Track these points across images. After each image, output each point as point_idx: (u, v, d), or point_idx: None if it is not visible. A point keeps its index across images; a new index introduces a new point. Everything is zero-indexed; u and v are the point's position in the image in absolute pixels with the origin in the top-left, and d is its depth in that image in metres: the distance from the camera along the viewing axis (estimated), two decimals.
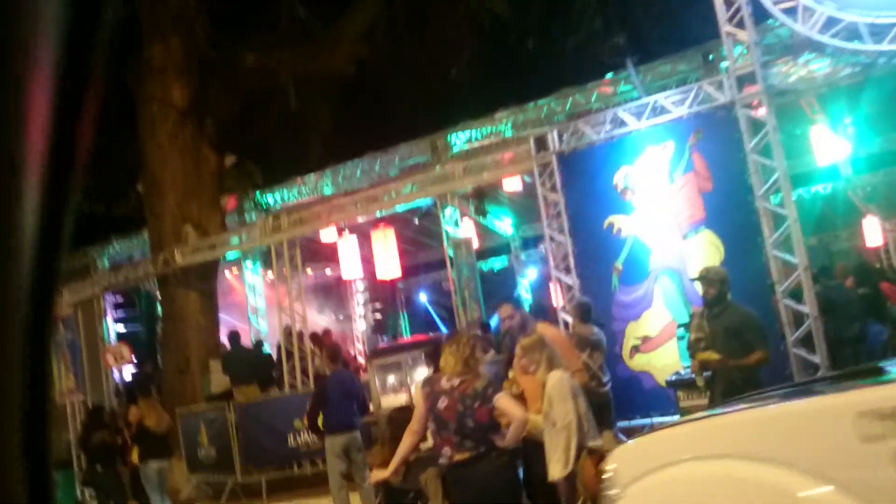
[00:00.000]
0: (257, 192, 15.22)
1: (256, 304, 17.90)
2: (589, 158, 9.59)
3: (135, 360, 16.04)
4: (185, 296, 13.96)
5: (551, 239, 9.93)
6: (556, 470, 4.78)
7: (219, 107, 14.60)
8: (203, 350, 13.96)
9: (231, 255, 14.81)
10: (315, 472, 10.19)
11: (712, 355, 6.42)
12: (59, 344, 14.78)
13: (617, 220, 9.34)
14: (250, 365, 13.02)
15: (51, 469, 0.77)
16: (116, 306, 19.60)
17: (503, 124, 12.89)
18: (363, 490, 8.43)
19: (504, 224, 22.03)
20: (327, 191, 15.39)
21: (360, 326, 24.70)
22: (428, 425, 4.60)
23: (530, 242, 23.47)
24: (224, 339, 14.79)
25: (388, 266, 14.42)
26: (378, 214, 12.94)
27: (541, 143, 9.90)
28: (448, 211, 14.88)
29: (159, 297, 20.75)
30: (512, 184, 15.74)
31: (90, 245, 20.11)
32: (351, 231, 16.03)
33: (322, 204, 13.18)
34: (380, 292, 24.69)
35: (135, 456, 10.13)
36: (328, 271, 24.42)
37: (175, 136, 13.83)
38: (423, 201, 15.73)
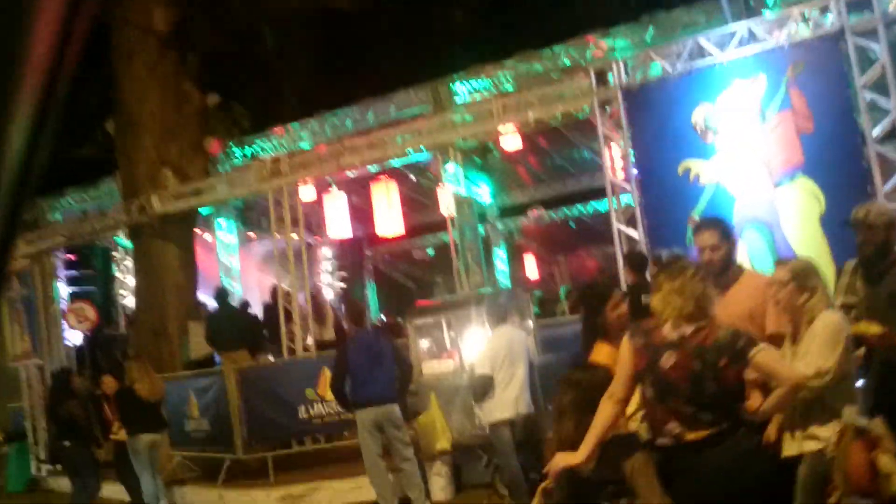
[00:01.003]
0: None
1: (230, 263, 16.23)
2: (661, 94, 8.25)
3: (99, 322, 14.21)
4: (161, 249, 12.22)
5: (613, 186, 8.58)
6: (796, 446, 3.43)
7: (201, 39, 12.81)
8: (182, 310, 12.27)
9: (201, 211, 13.07)
10: (332, 447, 8.74)
11: (871, 328, 4.36)
12: (13, 301, 12.90)
13: (694, 165, 8.02)
14: (239, 328, 11.40)
15: None
16: (68, 265, 17.52)
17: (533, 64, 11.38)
18: (405, 473, 7.00)
19: (481, 191, 20.43)
20: (307, 144, 13.74)
21: (328, 296, 22.95)
22: (642, 391, 3.21)
23: (508, 211, 22.21)
24: (204, 298, 13.12)
25: (391, 222, 12.90)
26: (396, 163, 11.42)
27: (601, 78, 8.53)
28: (450, 166, 13.46)
29: (116, 255, 19.02)
30: (511, 142, 14.38)
31: (40, 196, 18.11)
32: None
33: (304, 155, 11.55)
34: (346, 261, 23.10)
35: (116, 429, 8.50)
36: (294, 236, 22.74)
37: (154, 68, 12.02)
38: (421, 156, 14.31)
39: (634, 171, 8.33)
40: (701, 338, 3.09)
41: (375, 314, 21.51)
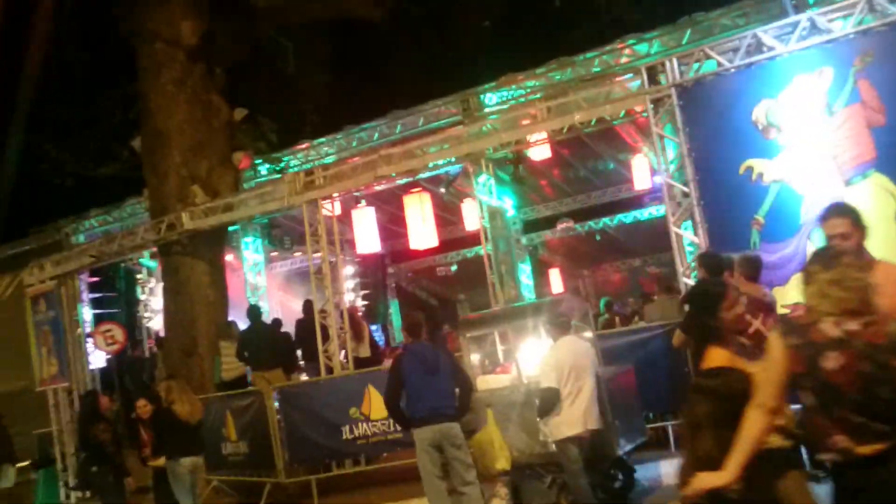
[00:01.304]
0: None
1: (257, 282, 15.88)
2: (718, 91, 7.83)
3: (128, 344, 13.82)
4: (191, 267, 11.83)
5: (669, 188, 8.13)
6: None
7: (226, 52, 12.49)
8: (212, 329, 11.86)
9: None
10: (378, 469, 8.28)
11: None
12: (40, 323, 12.53)
13: (757, 165, 7.57)
14: (272, 346, 11.00)
15: None
16: (91, 288, 17.16)
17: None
18: (466, 497, 6.52)
19: (505, 205, 19.93)
20: (333, 160, 13.32)
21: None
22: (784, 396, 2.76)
23: (531, 226, 21.75)
24: (232, 317, 12.70)
25: (425, 235, 12.49)
26: (428, 175, 11.02)
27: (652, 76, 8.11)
28: (483, 178, 13.09)
29: (140, 276, 18.66)
30: (540, 152, 13.99)
31: (62, 218, 17.83)
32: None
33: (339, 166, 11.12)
34: (368, 278, 22.69)
35: (150, 453, 8.08)
36: (316, 255, 22.36)
37: (182, 82, 11.69)
38: (451, 168, 13.94)
39: (691, 172, 7.85)
40: (870, 334, 2.64)
41: (398, 334, 21.10)
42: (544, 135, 10.75)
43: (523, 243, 22.19)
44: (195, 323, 11.76)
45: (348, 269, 22.49)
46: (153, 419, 7.99)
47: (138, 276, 18.94)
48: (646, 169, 18.15)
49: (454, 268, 23.71)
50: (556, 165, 17.55)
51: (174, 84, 11.65)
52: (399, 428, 8.28)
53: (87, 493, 12.13)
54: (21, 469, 15.43)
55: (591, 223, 21.14)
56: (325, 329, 10.21)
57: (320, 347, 10.00)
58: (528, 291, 22.24)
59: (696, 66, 7.86)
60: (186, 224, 11.10)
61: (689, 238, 7.94)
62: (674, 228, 8.04)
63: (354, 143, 13.48)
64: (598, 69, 11.26)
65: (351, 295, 22.35)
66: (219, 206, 11.04)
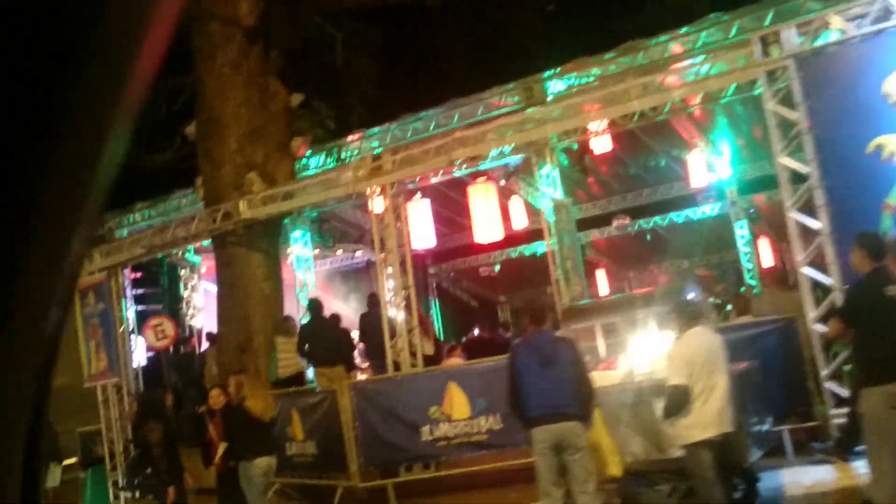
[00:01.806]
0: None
1: (305, 278, 15.21)
2: (842, 61, 7.04)
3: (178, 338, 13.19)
4: (246, 259, 11.19)
5: (786, 169, 7.34)
6: None
7: (282, 36, 11.85)
8: (268, 324, 11.21)
9: None
10: (461, 473, 7.56)
11: None
12: (88, 317, 11.93)
13: (888, 142, 6.76)
14: (334, 342, 10.31)
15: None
16: (134, 283, 16.60)
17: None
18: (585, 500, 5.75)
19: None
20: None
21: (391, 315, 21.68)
22: None
23: (577, 225, 20.93)
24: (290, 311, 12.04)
25: (491, 227, 11.74)
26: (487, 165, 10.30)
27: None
28: (546, 168, 12.34)
29: (183, 272, 18.09)
30: (602, 144, 13.21)
31: (109, 210, 17.29)
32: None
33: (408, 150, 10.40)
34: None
35: (221, 451, 7.38)
36: (359, 253, 21.71)
37: (238, 64, 11.06)
38: (511, 159, 13.23)
39: (811, 151, 7.05)
40: None
41: (441, 334, 20.36)
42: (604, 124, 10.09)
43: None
44: (250, 317, 11.12)
45: (389, 270, 21.87)
46: (225, 414, 7.29)
47: (181, 272, 18.43)
48: (702, 165, 17.36)
49: (497, 268, 22.96)
50: (605, 162, 16.74)
51: (230, 66, 11.02)
52: (485, 429, 7.58)
53: (137, 494, 11.51)
54: (67, 468, 14.91)
55: (641, 222, 20.33)
56: (391, 324, 9.53)
57: (387, 343, 9.29)
58: None
59: (820, 34, 7.07)
60: (244, 213, 10.45)
61: (809, 224, 7.12)
62: (792, 214, 7.22)
63: (409, 134, 12.79)
64: (668, 55, 10.49)
65: (392, 297, 21.72)
66: (278, 194, 10.38)
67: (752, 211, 19.31)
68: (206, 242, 14.85)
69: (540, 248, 21.83)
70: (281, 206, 10.32)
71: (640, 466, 6.03)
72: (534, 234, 20.43)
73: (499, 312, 25.51)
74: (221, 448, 7.08)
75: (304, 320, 11.33)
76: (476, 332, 16.70)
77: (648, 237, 20.83)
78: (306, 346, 10.36)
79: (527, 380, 5.83)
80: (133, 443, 10.22)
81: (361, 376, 11.17)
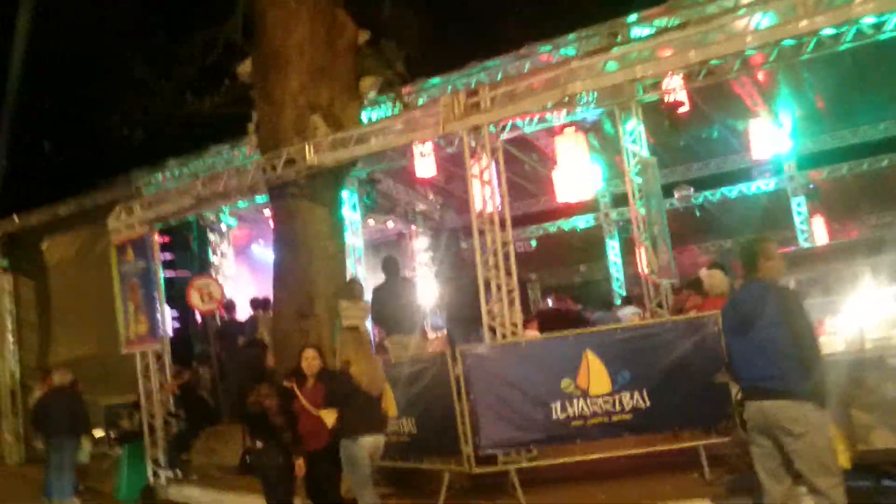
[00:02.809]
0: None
1: (353, 243, 13.81)
2: None
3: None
4: (309, 213, 9.75)
5: None
6: None
7: None
8: (332, 287, 9.77)
9: None
10: (600, 459, 6.16)
11: None
12: (127, 275, 10.49)
13: None
14: (413, 306, 8.89)
15: None
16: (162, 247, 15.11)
17: None
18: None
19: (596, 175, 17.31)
20: None
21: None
22: None
23: (620, 200, 19.52)
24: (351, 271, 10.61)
25: (577, 185, 10.32)
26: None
27: None
28: (631, 123, 10.99)
29: (213, 237, 16.62)
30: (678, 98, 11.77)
31: (133, 169, 15.87)
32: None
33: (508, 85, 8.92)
34: (439, 252, 20.57)
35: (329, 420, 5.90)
36: (390, 224, 20.30)
37: None
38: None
39: None
40: None
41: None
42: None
43: (613, 218, 20.10)
44: (312, 280, 9.68)
45: (421, 242, 20.42)
46: (325, 380, 5.85)
47: (211, 238, 16.99)
48: (765, 136, 15.98)
49: (534, 243, 21.54)
50: (653, 132, 15.23)
51: None
52: (628, 407, 6.18)
53: (178, 473, 10.13)
54: (99, 442, 13.49)
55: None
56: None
57: (484, 308, 7.84)
58: (615, 270, 20.10)
59: None
60: (310, 159, 9.01)
61: None
62: None
63: (485, 78, 11.36)
64: None
65: (424, 270, 20.28)
66: (350, 137, 8.92)
67: (811, 187, 17.94)
68: (262, 199, 13.45)
69: (581, 222, 20.48)
70: (354, 150, 8.87)
71: (879, 458, 4.62)
72: (573, 208, 19.10)
73: (528, 291, 24.02)
74: (329, 417, 5.62)
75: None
76: (550, 303, 15.28)
77: (698, 213, 19.48)
78: (380, 310, 8.95)
79: (733, 344, 4.44)
80: (238, 411, 8.70)
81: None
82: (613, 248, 20.08)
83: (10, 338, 16.26)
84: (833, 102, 14.95)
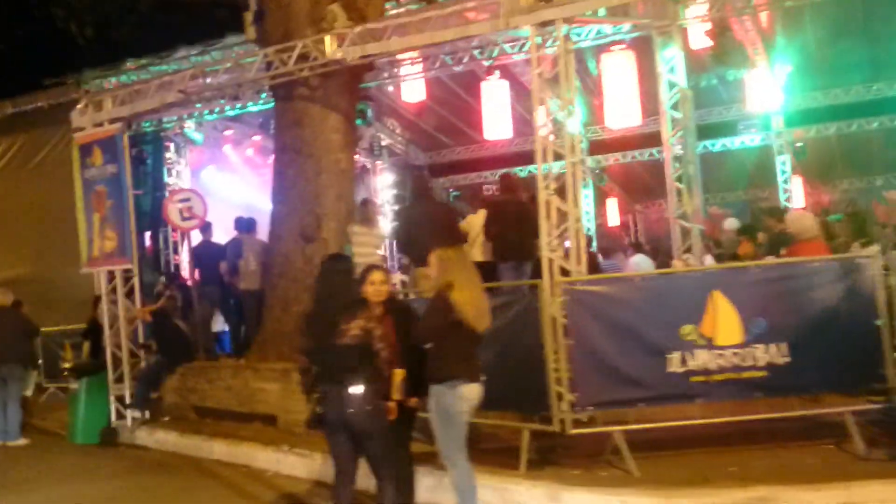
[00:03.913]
0: None
1: None
2: None
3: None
4: (321, 119, 8.19)
5: None
6: None
7: None
8: (342, 207, 8.28)
9: None
10: (727, 422, 4.97)
11: None
12: (91, 181, 8.71)
13: None
14: (449, 231, 7.48)
15: None
16: None
17: None
18: None
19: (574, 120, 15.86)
20: None
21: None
22: None
23: (597, 148, 18.36)
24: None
25: (626, 112, 8.99)
26: None
27: None
28: (671, 50, 9.74)
29: (169, 156, 14.69)
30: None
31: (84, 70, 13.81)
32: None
33: None
34: (403, 189, 19.00)
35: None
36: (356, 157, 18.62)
37: None
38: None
39: None
40: None
41: None
42: None
43: (589, 166, 18.89)
44: (320, 196, 8.16)
45: (385, 177, 18.84)
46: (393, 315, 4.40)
47: (167, 156, 15.04)
48: (762, 87, 14.99)
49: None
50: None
51: None
52: (763, 363, 4.98)
53: (147, 414, 8.57)
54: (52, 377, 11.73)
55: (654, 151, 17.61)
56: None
57: (544, 240, 6.47)
58: (587, 220, 18.95)
59: None
60: (331, 51, 7.35)
61: None
62: None
63: None
64: None
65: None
66: (385, 29, 7.29)
67: (799, 146, 17.15)
68: (250, 107, 11.70)
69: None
70: (389, 44, 7.25)
71: None
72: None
73: None
74: (397, 376, 4.19)
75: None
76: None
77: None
78: (406, 235, 7.52)
79: None
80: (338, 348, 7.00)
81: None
82: (587, 198, 18.96)
83: None
84: (831, 56, 14.07)
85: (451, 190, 21.10)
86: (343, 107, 8.28)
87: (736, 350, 4.95)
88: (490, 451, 5.41)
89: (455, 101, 14.81)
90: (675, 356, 4.98)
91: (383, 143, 18.64)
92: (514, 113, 12.04)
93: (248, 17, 8.80)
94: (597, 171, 19.55)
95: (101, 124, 8.63)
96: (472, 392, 4.23)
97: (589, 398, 5.04)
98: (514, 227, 7.63)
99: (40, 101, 13.91)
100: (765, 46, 13.65)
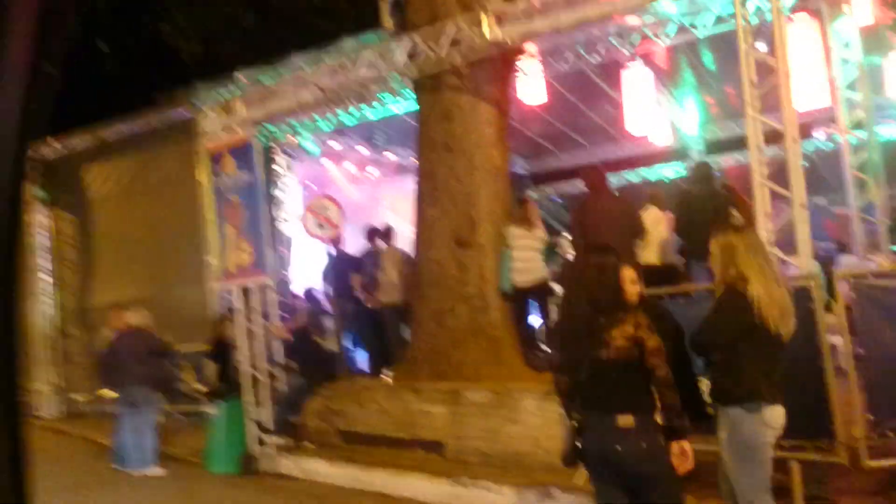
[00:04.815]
0: None
1: None
2: None
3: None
4: (472, 111, 7.32)
5: None
6: None
7: None
8: (498, 207, 7.38)
9: None
10: None
11: None
12: (225, 191, 8.03)
13: None
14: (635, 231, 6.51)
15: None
16: None
17: None
18: None
19: (687, 117, 14.46)
20: None
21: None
22: None
23: (716, 148, 16.79)
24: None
25: (813, 91, 7.80)
26: None
27: None
28: (844, 21, 8.63)
29: (276, 168, 14.07)
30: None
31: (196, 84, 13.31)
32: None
33: None
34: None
35: None
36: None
37: None
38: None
39: None
40: None
41: None
42: None
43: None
44: (473, 197, 7.27)
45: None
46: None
47: (274, 167, 14.42)
48: None
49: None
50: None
51: None
52: None
53: (289, 441, 7.78)
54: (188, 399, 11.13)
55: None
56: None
57: (763, 230, 5.40)
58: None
59: None
60: (492, 33, 6.47)
61: None
62: None
63: None
64: None
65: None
66: (537, 7, 6.36)
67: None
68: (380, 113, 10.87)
69: (667, 170, 17.69)
70: (559, 20, 6.31)
71: None
72: (656, 155, 16.41)
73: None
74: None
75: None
76: None
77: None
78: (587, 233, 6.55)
79: None
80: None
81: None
82: None
83: (46, 277, 13.83)
84: None
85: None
86: (495, 97, 7.41)
87: None
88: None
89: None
90: None
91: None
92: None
93: (385, 5, 8.05)
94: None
95: (231, 129, 7.97)
96: (776, 416, 3.21)
97: (885, 422, 3.94)
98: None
99: (152, 121, 13.52)
100: None
